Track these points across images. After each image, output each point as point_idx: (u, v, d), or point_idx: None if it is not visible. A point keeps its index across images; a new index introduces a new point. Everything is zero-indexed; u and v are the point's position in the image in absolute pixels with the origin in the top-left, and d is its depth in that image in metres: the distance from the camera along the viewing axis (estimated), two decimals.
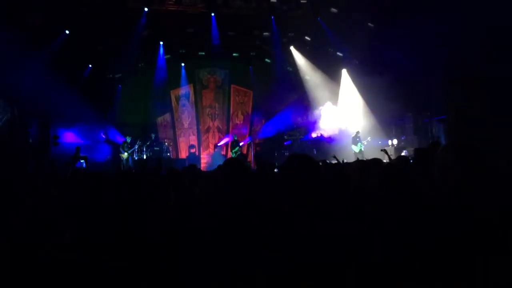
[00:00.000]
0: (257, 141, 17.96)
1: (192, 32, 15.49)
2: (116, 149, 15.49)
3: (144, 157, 15.34)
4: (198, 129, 18.45)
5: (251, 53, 17.74)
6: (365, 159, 7.98)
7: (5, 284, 1.78)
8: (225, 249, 1.86)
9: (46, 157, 12.93)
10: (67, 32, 13.49)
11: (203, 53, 17.26)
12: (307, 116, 17.80)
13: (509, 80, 9.10)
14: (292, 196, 1.96)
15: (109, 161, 15.34)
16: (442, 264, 1.67)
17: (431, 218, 1.85)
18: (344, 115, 16.82)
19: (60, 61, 12.99)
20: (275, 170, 5.38)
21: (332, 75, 16.86)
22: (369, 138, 14.78)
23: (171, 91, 18.36)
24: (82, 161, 13.18)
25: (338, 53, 16.48)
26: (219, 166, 2.98)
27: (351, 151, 14.58)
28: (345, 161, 8.49)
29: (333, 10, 14.08)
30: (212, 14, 15.06)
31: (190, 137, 18.39)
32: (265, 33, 16.11)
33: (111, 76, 16.51)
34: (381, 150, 9.52)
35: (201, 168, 14.04)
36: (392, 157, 9.28)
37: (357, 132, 14.89)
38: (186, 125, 18.58)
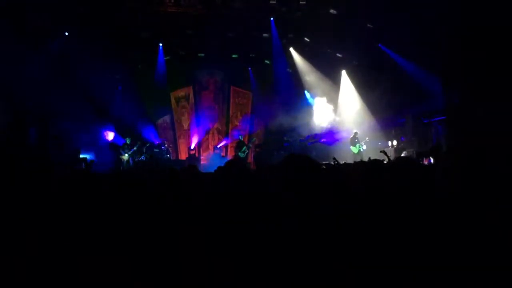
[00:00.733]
0: (256, 142, 17.94)
1: (192, 34, 15.49)
2: (117, 150, 15.47)
3: (144, 158, 15.34)
4: (197, 130, 18.45)
5: (251, 55, 17.73)
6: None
7: (5, 284, 1.77)
8: (225, 249, 1.85)
9: (45, 158, 12.91)
10: (66, 33, 13.52)
11: (203, 55, 17.25)
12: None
13: (509, 81, 9.11)
14: (291, 195, 1.95)
15: (109, 162, 15.31)
16: (443, 267, 1.66)
17: (433, 220, 1.84)
18: (343, 115, 16.87)
19: (60, 62, 13.00)
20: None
21: (332, 76, 16.88)
22: (367, 139, 14.78)
23: (171, 93, 18.36)
24: (81, 162, 13.17)
25: (337, 54, 16.50)
26: (219, 167, 2.98)
27: (350, 152, 14.61)
28: (345, 162, 8.48)
29: (333, 11, 14.09)
30: (212, 15, 15.06)
31: (189, 139, 18.38)
32: (264, 34, 16.12)
33: (110, 77, 16.49)
34: (381, 151, 9.53)
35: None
36: (392, 159, 9.27)
37: (355, 133, 14.90)
38: (185, 127, 18.57)
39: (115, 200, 2.54)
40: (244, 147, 15.82)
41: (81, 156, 13.45)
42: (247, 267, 1.72)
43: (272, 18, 15.17)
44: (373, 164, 3.00)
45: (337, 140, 16.39)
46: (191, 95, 18.53)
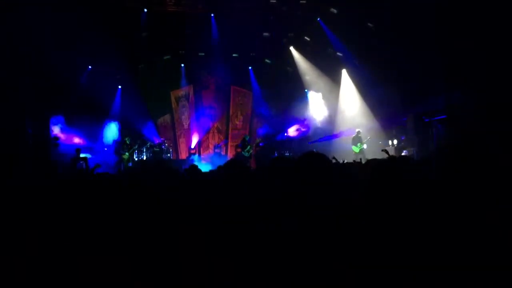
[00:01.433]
0: (257, 141, 17.94)
1: (192, 33, 15.49)
2: (117, 150, 15.50)
3: (144, 158, 15.36)
4: (198, 130, 18.45)
5: (251, 54, 17.72)
6: (367, 159, 7.98)
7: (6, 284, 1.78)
8: (225, 249, 1.86)
9: (46, 158, 12.92)
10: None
11: (203, 54, 17.24)
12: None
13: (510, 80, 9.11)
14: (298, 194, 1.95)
15: (110, 162, 15.32)
16: (442, 267, 1.67)
17: (431, 220, 1.84)
18: (342, 114, 16.91)
19: (60, 62, 12.99)
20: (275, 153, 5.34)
21: (332, 76, 16.87)
22: (368, 137, 14.78)
23: (171, 92, 18.37)
24: (82, 162, 13.17)
25: (338, 53, 16.49)
26: (219, 166, 2.98)
27: (350, 151, 14.62)
28: (345, 161, 8.46)
29: (333, 10, 14.09)
30: (212, 15, 15.09)
31: (190, 138, 18.39)
32: (264, 34, 16.12)
33: (111, 77, 16.50)
34: (382, 150, 9.52)
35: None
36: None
37: (358, 132, 14.87)
38: (186, 126, 18.58)
39: (115, 199, 2.54)
40: (249, 147, 15.85)
41: (81, 156, 13.42)
42: (247, 267, 1.72)
43: (272, 17, 15.20)
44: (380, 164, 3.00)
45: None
46: (191, 94, 18.52)
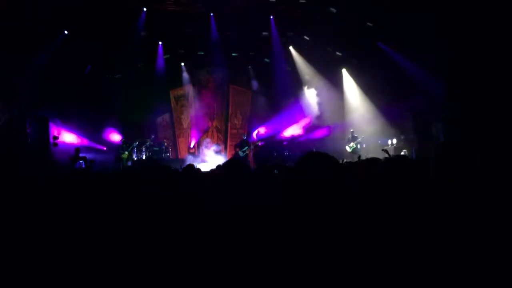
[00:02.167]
0: (256, 141, 17.94)
1: (191, 32, 15.48)
2: (116, 149, 15.50)
3: (144, 157, 15.35)
4: (197, 129, 18.45)
5: (250, 53, 17.70)
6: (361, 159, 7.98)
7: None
8: (225, 249, 1.85)
9: (45, 158, 12.91)
10: (66, 32, 13.52)
11: (202, 53, 17.23)
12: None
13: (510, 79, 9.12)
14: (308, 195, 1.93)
15: (109, 161, 15.31)
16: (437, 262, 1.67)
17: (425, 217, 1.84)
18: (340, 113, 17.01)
19: (60, 61, 13.00)
20: (275, 171, 5.37)
21: (332, 75, 16.87)
22: (362, 137, 14.82)
23: (170, 91, 18.36)
24: (81, 161, 13.16)
25: (337, 53, 16.49)
26: (219, 165, 2.98)
27: (342, 152, 14.77)
28: (344, 161, 8.48)
29: (332, 9, 14.08)
30: (211, 14, 15.07)
31: (189, 137, 18.38)
32: (264, 33, 16.11)
33: (110, 76, 16.49)
34: (382, 150, 9.55)
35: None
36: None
37: (352, 132, 14.98)
38: (185, 125, 18.57)
39: (114, 199, 2.54)
40: (246, 147, 15.84)
41: (80, 156, 13.40)
42: (248, 267, 1.72)
43: (271, 16, 15.19)
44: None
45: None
46: (191, 94, 18.51)
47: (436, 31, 11.12)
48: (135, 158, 15.26)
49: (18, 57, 11.39)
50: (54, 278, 1.76)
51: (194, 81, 18.47)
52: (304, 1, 14.08)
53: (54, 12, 12.17)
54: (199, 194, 3.07)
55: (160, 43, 16.51)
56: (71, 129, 14.63)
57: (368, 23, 13.99)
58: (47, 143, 13.20)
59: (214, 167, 7.17)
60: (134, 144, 15.11)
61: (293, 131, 17.57)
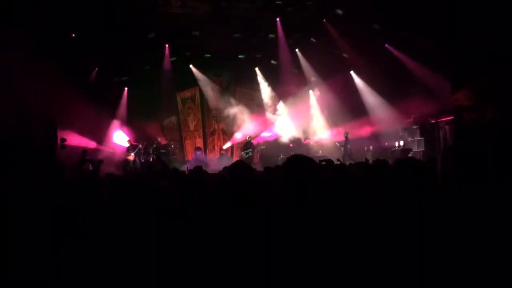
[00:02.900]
0: (261, 143, 17.94)
1: (198, 34, 15.51)
2: (123, 152, 15.57)
3: (151, 159, 15.39)
4: (203, 131, 18.47)
5: (257, 55, 17.70)
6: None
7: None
8: (230, 250, 1.85)
9: (53, 160, 12.96)
10: (73, 35, 13.61)
11: (209, 55, 17.25)
12: None
13: None
14: (292, 196, 1.94)
15: (116, 163, 15.36)
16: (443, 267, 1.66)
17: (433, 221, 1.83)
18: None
19: (67, 64, 13.06)
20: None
21: (339, 76, 16.81)
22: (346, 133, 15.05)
23: (177, 94, 18.40)
24: (88, 164, 13.20)
25: (344, 55, 16.44)
26: (226, 167, 2.98)
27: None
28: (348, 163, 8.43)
29: (339, 11, 14.07)
30: (218, 16, 15.09)
31: (196, 140, 18.40)
32: (270, 35, 16.12)
33: (117, 79, 16.57)
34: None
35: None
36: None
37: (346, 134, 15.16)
38: (192, 128, 18.59)
39: (121, 201, 2.54)
40: (250, 149, 15.83)
41: (87, 158, 13.45)
42: (248, 268, 1.72)
43: (278, 18, 15.20)
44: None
45: None
46: (197, 96, 18.53)
47: (442, 30, 11.07)
48: (142, 160, 15.30)
49: (25, 60, 11.45)
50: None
51: (200, 84, 18.47)
52: (310, 3, 14.08)
53: (61, 14, 12.25)
54: (206, 195, 3.08)
55: (167, 45, 16.56)
56: (78, 132, 14.68)
57: (375, 25, 13.97)
58: (54, 145, 13.24)
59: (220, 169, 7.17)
60: (140, 146, 15.16)
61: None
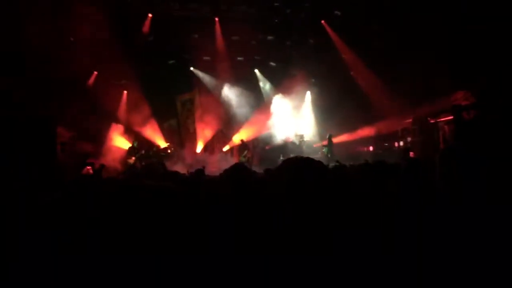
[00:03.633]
0: (260, 144, 17.94)
1: (197, 37, 15.52)
2: (124, 154, 15.57)
3: (151, 162, 15.37)
4: (203, 134, 18.46)
5: (256, 57, 17.71)
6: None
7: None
8: (230, 250, 1.86)
9: (52, 163, 12.95)
10: (71, 39, 13.63)
11: (208, 58, 17.25)
12: None
13: None
14: (291, 198, 1.95)
15: (117, 166, 15.36)
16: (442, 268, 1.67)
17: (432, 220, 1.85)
18: None
19: (66, 67, 13.07)
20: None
21: (337, 78, 16.84)
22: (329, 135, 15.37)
23: (177, 96, 18.40)
24: (88, 167, 13.20)
25: (342, 56, 16.47)
26: (225, 170, 2.99)
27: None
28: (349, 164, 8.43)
29: (337, 12, 14.11)
30: (216, 19, 15.12)
31: (195, 142, 18.39)
32: (269, 37, 16.14)
33: (116, 82, 16.56)
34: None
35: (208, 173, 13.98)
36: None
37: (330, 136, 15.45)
38: (191, 130, 18.58)
39: (122, 204, 2.55)
40: (246, 151, 15.84)
41: (88, 161, 13.45)
42: (248, 268, 1.73)
43: (276, 20, 15.24)
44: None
45: None
46: (197, 98, 18.53)
47: (440, 30, 11.10)
48: (143, 164, 15.29)
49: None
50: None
51: (200, 86, 18.46)
52: (308, 4, 14.12)
53: (60, 17, 12.27)
54: (206, 197, 3.08)
55: (166, 48, 16.57)
56: (79, 135, 14.68)
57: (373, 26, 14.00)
58: (54, 148, 13.24)
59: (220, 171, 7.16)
60: (142, 151, 15.15)
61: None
